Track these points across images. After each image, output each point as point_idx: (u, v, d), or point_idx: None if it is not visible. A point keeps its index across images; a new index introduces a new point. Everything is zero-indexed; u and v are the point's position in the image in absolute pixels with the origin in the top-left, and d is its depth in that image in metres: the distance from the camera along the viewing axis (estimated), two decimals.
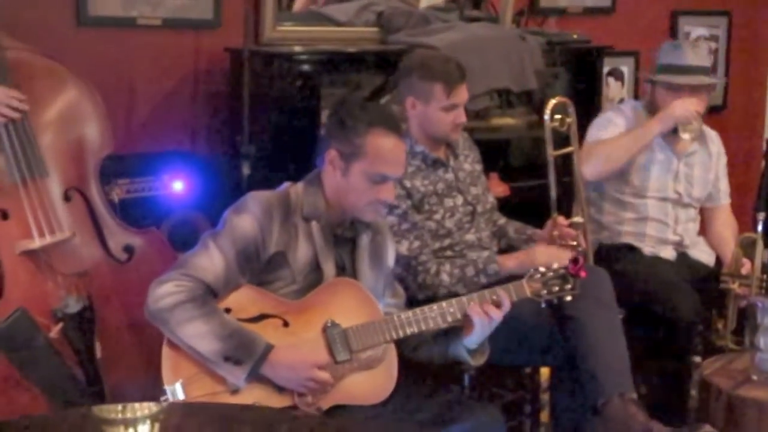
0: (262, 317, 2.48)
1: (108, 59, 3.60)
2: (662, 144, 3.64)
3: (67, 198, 2.83)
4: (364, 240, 2.66)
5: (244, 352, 2.39)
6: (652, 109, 3.65)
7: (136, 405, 1.83)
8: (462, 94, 3.06)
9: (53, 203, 2.79)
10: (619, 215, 3.69)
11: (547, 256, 2.96)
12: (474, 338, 2.62)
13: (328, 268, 2.56)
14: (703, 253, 3.73)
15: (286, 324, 2.49)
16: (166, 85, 3.77)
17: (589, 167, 3.49)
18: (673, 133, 3.59)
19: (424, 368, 2.88)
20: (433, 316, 2.59)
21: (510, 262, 3.04)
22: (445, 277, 2.98)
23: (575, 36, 4.33)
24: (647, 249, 3.64)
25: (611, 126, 3.63)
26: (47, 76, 2.86)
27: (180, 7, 3.76)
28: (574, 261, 2.73)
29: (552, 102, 3.29)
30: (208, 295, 2.43)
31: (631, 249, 3.64)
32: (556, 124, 3.27)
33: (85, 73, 2.94)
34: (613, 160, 3.53)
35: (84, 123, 2.91)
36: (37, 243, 2.73)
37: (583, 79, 4.25)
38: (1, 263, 2.72)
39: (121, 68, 3.65)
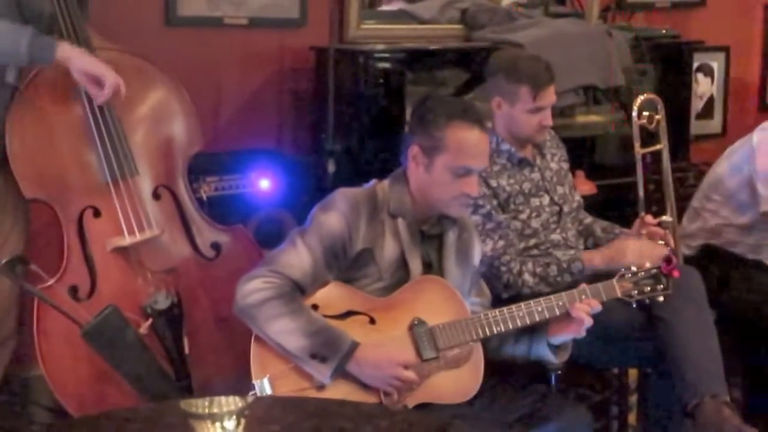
0: (348, 314, 2.48)
1: (195, 59, 3.65)
2: None
3: (156, 196, 2.86)
4: (451, 237, 2.64)
5: (330, 350, 2.39)
6: None
7: (223, 399, 1.84)
8: (549, 97, 3.02)
9: (143, 201, 2.82)
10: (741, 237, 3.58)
11: (638, 251, 2.89)
12: (561, 337, 2.59)
13: (415, 265, 2.55)
14: None
15: (372, 321, 2.49)
16: (253, 84, 3.81)
17: None
18: None
19: (510, 367, 2.85)
20: (521, 315, 2.56)
21: (597, 259, 2.97)
22: (527, 277, 2.94)
23: (664, 31, 4.26)
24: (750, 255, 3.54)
25: None
26: (137, 74, 2.89)
27: (265, 6, 3.80)
28: (667, 260, 2.67)
29: (640, 99, 3.22)
30: (296, 291, 2.44)
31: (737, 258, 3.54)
32: (644, 121, 3.21)
33: (173, 73, 2.97)
34: None
35: (173, 121, 2.94)
36: (127, 240, 2.76)
37: (671, 75, 4.17)
38: (94, 260, 2.76)
39: (208, 67, 3.71)
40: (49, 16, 2.81)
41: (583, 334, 2.57)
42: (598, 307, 2.57)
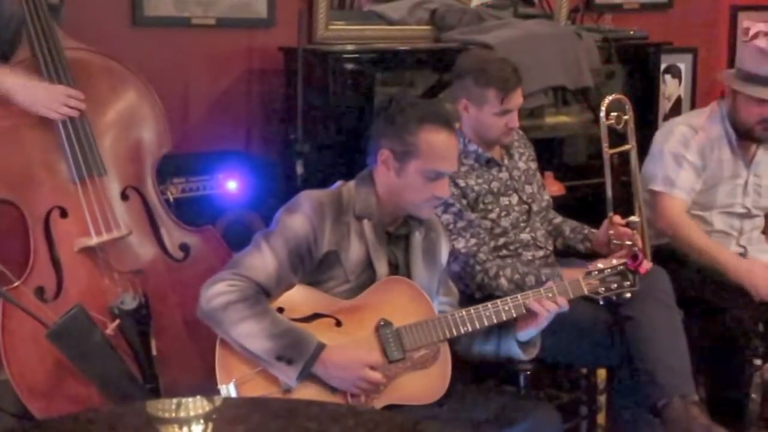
0: (314, 317, 2.48)
1: (162, 59, 3.63)
2: (731, 158, 3.54)
3: (124, 197, 2.85)
4: (417, 237, 2.64)
5: (296, 351, 2.39)
6: (734, 118, 3.51)
7: (190, 402, 1.82)
8: (516, 100, 3.03)
9: (111, 201, 2.80)
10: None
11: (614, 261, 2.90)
12: (527, 332, 2.59)
13: (381, 266, 2.55)
14: (766, 255, 3.64)
15: (338, 323, 2.49)
16: (221, 85, 3.80)
17: (663, 227, 3.46)
18: (744, 139, 3.50)
19: (478, 367, 2.86)
20: (488, 315, 2.57)
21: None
22: (503, 282, 2.94)
23: (632, 32, 4.28)
24: None
25: (685, 164, 3.48)
26: (106, 75, 2.88)
27: (233, 6, 3.78)
28: (633, 257, 2.69)
29: (608, 99, 3.23)
30: (261, 294, 2.43)
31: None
32: (613, 121, 3.22)
33: (141, 72, 2.96)
34: (682, 245, 3.46)
35: (142, 122, 2.93)
36: (94, 240, 2.75)
37: (639, 76, 4.20)
38: (61, 260, 2.74)
39: (176, 68, 3.68)
40: (20, 19, 2.79)
41: (544, 324, 2.58)
42: (564, 306, 2.58)
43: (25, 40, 2.77)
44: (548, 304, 2.56)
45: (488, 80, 2.99)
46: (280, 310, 2.45)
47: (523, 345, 2.64)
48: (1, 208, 2.83)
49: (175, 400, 1.82)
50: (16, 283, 2.65)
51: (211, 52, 3.76)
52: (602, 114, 3.20)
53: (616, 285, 2.68)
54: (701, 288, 3.39)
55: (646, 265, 2.75)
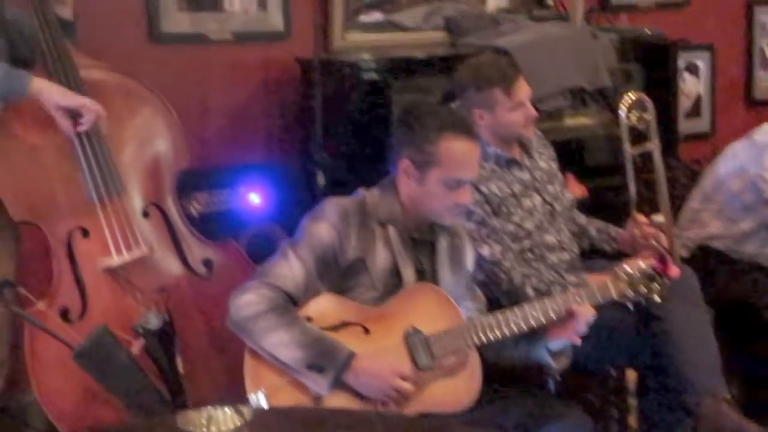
0: (343, 325, 2.46)
1: (180, 74, 3.64)
2: None
3: (145, 214, 2.85)
4: (443, 243, 2.63)
5: (327, 360, 2.38)
6: None
7: (220, 415, 1.81)
8: (523, 89, 3.01)
9: (131, 220, 2.80)
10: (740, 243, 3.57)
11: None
12: (559, 341, 2.57)
13: (408, 273, 2.54)
14: None
15: (366, 331, 2.48)
16: (239, 98, 3.80)
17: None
18: None
19: (507, 372, 2.83)
20: (516, 321, 2.54)
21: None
22: (529, 291, 2.92)
23: (648, 31, 4.25)
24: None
25: None
26: (122, 92, 2.88)
27: (249, 20, 3.79)
28: (661, 259, 2.66)
29: (628, 98, 3.21)
30: (289, 303, 2.43)
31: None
32: (634, 120, 3.20)
33: (159, 89, 2.96)
34: None
35: (160, 139, 2.93)
36: (115, 260, 2.75)
37: (658, 75, 4.16)
38: (84, 281, 2.74)
39: (194, 83, 3.69)
40: (31, 35, 2.80)
41: (577, 341, 2.56)
42: (592, 313, 2.56)
43: (39, 59, 2.78)
44: (580, 309, 2.53)
45: (487, 81, 2.97)
46: (309, 319, 2.44)
47: (554, 354, 2.61)
48: (24, 229, 2.85)
49: (205, 414, 1.81)
50: (40, 305, 2.65)
51: (229, 66, 3.77)
52: (622, 113, 3.18)
53: (645, 289, 2.65)
54: (736, 285, 3.36)
55: (674, 268, 2.72)
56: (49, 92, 2.63)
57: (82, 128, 2.67)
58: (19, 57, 2.85)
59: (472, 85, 3.00)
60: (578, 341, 2.56)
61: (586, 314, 2.53)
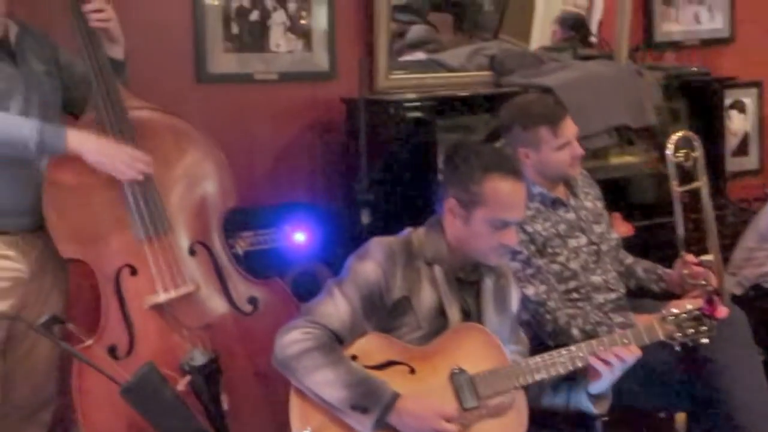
0: (388, 364, 2.45)
1: (227, 114, 3.68)
2: None
3: (192, 252, 2.87)
4: (488, 284, 2.62)
5: (371, 401, 2.36)
6: None
7: None
8: (570, 129, 3.00)
9: (177, 258, 2.82)
10: None
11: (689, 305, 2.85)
12: (602, 383, 2.54)
13: (453, 312, 2.53)
14: None
15: (412, 371, 2.46)
16: (285, 137, 3.83)
17: None
18: None
19: (553, 414, 2.80)
20: (563, 362, 2.52)
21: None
22: (575, 332, 2.89)
23: (694, 69, 4.24)
24: None
25: None
26: (170, 133, 2.91)
27: (295, 61, 3.83)
28: (709, 301, 2.62)
29: (675, 136, 3.19)
30: (335, 342, 2.43)
31: None
32: (681, 158, 3.18)
33: (205, 128, 3.00)
34: None
35: (207, 178, 2.95)
36: (162, 297, 2.76)
37: (704, 113, 4.14)
38: (132, 319, 2.76)
39: (240, 122, 3.73)
40: (82, 78, 2.85)
41: (612, 378, 2.52)
42: (638, 354, 2.52)
43: (91, 101, 2.83)
44: (622, 351, 2.51)
45: (534, 120, 2.97)
46: (354, 358, 2.44)
47: (594, 398, 2.58)
48: (73, 267, 2.88)
49: None
50: (89, 343, 2.67)
51: (275, 105, 3.80)
52: (669, 151, 3.16)
53: (692, 330, 2.62)
54: None
55: (723, 310, 2.68)
56: (87, 152, 2.67)
57: (124, 178, 2.71)
58: (72, 99, 2.91)
59: (518, 124, 3.00)
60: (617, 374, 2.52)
61: (633, 354, 2.50)
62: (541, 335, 2.91)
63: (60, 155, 2.69)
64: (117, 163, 2.70)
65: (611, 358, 2.50)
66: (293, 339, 2.41)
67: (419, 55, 4.11)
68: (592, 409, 2.59)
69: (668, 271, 3.15)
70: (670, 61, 4.42)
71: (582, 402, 2.58)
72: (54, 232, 2.72)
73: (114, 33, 2.87)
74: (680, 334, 2.62)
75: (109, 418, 2.66)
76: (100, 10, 2.81)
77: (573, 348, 2.54)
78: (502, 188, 2.49)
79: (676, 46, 4.57)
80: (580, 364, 2.53)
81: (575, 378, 2.58)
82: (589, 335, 2.85)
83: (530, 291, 2.90)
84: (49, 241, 2.75)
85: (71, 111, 2.93)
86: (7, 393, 2.80)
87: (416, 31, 4.13)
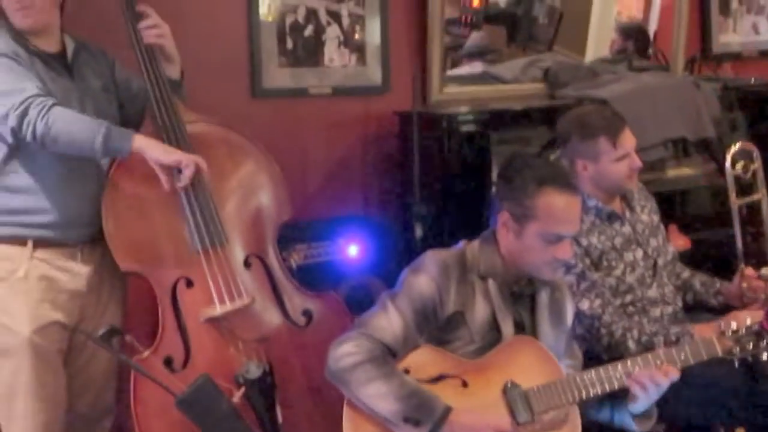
0: (441, 377, 2.45)
1: (281, 128, 3.72)
2: None
3: (247, 264, 2.89)
4: (543, 297, 2.60)
5: (424, 414, 2.36)
6: None
7: None
8: (629, 140, 2.97)
9: (234, 270, 2.84)
10: None
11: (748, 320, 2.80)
12: (640, 404, 2.50)
13: (507, 326, 2.52)
14: None
15: (465, 384, 2.45)
16: (338, 151, 3.86)
17: None
18: None
19: (608, 428, 2.77)
20: (618, 377, 2.49)
21: (708, 334, 2.87)
22: (630, 344, 2.86)
23: (753, 80, 4.18)
24: None
25: None
26: (225, 145, 2.94)
27: (349, 75, 3.85)
28: None
29: (734, 148, 3.15)
30: (387, 355, 2.43)
31: None
32: (739, 171, 3.13)
33: (260, 142, 3.02)
34: None
35: (262, 191, 2.98)
36: (218, 310, 2.78)
37: (762, 124, 4.08)
38: (188, 331, 2.79)
39: (295, 136, 3.76)
40: (137, 94, 2.91)
41: (653, 398, 2.48)
42: (675, 376, 2.47)
43: (149, 115, 2.87)
44: (657, 375, 2.46)
45: (593, 131, 2.95)
46: (406, 371, 2.43)
47: (638, 417, 2.55)
48: (131, 280, 2.92)
49: None
50: (145, 353, 2.70)
51: (328, 119, 3.83)
52: (727, 163, 3.12)
53: (752, 345, 2.57)
54: None
55: None
56: (151, 150, 2.69)
57: (180, 184, 2.73)
58: (127, 117, 2.96)
59: (577, 135, 2.98)
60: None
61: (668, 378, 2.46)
62: (597, 349, 2.89)
63: (123, 161, 2.72)
64: (177, 157, 2.71)
65: (646, 381, 2.45)
66: (346, 351, 2.41)
67: (477, 66, 4.11)
68: (636, 428, 2.55)
69: (727, 284, 3.10)
70: (728, 72, 4.37)
71: (625, 420, 2.55)
72: (112, 243, 2.76)
73: (169, 50, 2.91)
74: (739, 350, 2.57)
75: (165, 428, 2.68)
76: (154, 26, 2.85)
77: (629, 362, 2.51)
78: (555, 202, 2.48)
79: (733, 56, 4.51)
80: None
81: (617, 396, 2.54)
82: (645, 347, 2.82)
83: (585, 305, 2.88)
84: (107, 253, 2.79)
85: (131, 125, 2.97)
86: (70, 403, 2.85)
87: (475, 39, 4.13)
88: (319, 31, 3.80)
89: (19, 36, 2.71)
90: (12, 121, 2.58)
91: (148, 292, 2.83)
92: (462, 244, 2.61)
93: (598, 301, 2.89)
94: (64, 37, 2.82)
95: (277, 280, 2.92)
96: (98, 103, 2.84)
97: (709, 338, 2.57)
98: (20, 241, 2.72)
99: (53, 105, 2.59)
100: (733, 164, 3.11)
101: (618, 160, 2.95)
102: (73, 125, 2.61)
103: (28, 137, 2.59)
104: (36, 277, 2.72)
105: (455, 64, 4.04)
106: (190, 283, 2.80)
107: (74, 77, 2.80)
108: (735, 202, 3.11)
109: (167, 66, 2.90)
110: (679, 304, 3.09)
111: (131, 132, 2.71)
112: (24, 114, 2.57)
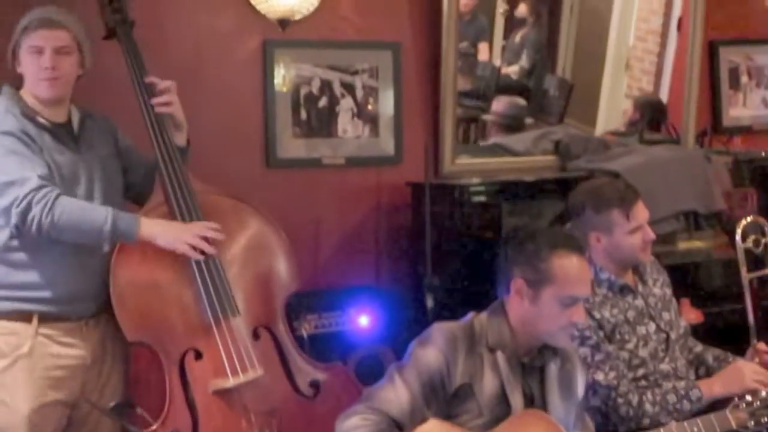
0: None
1: (295, 198, 3.75)
2: None
3: (256, 336, 2.87)
4: (553, 369, 2.59)
5: None
6: None
7: None
8: (642, 213, 2.98)
9: (246, 341, 2.82)
10: None
11: (756, 372, 2.78)
12: None
13: (516, 399, 2.50)
14: None
15: None
16: (351, 221, 3.88)
17: None
18: None
19: None
20: None
21: (716, 386, 2.86)
22: (648, 407, 2.84)
23: (764, 153, 4.19)
24: None
25: None
26: (235, 217, 2.95)
27: (362, 146, 3.89)
28: None
29: (744, 222, 3.16)
30: (394, 428, 2.40)
31: None
32: (750, 245, 3.13)
33: (273, 212, 3.04)
34: None
35: (271, 262, 2.98)
36: (231, 382, 2.76)
37: None
38: (196, 403, 2.76)
39: (308, 206, 3.79)
40: (149, 163, 2.93)
41: None
42: None
43: (158, 184, 2.88)
44: None
45: (607, 203, 2.96)
46: None
47: None
48: (138, 350, 2.90)
49: None
50: (153, 426, 2.68)
51: (341, 189, 3.86)
52: (738, 237, 3.12)
53: (766, 418, 2.55)
54: None
55: None
56: (162, 237, 2.71)
57: (197, 257, 2.73)
58: (129, 184, 2.97)
59: (591, 207, 2.99)
60: None
61: None
62: (615, 420, 2.86)
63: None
64: (183, 239, 2.72)
65: None
66: (353, 425, 2.40)
67: (493, 138, 4.14)
68: None
69: (739, 359, 3.08)
70: (738, 145, 4.38)
71: None
72: (120, 317, 2.74)
73: (178, 119, 2.93)
74: (753, 423, 2.55)
75: None
76: (164, 96, 2.89)
77: None
78: (569, 264, 2.48)
79: (744, 130, 4.54)
80: None
81: None
82: (661, 406, 2.82)
83: (600, 377, 2.86)
84: (111, 325, 2.78)
85: (129, 195, 2.99)
86: None
87: (503, 107, 4.16)
88: (333, 102, 3.85)
89: (29, 109, 2.74)
90: (14, 218, 2.59)
91: (153, 363, 2.81)
92: (470, 315, 2.60)
93: (612, 374, 2.88)
94: (70, 107, 2.84)
95: (286, 352, 2.91)
96: (106, 172, 2.85)
97: (722, 412, 2.55)
98: (25, 316, 2.71)
99: (57, 197, 2.61)
100: (744, 238, 3.11)
101: (631, 232, 2.96)
102: (79, 218, 2.63)
103: (33, 232, 2.60)
104: (40, 354, 2.71)
105: (468, 140, 4.07)
106: (199, 355, 2.79)
107: (81, 147, 2.81)
108: (746, 276, 3.11)
109: (175, 133, 2.92)
110: (692, 378, 3.07)
111: (137, 218, 2.72)
112: (27, 210, 2.58)
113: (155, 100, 2.88)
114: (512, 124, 4.19)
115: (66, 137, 2.79)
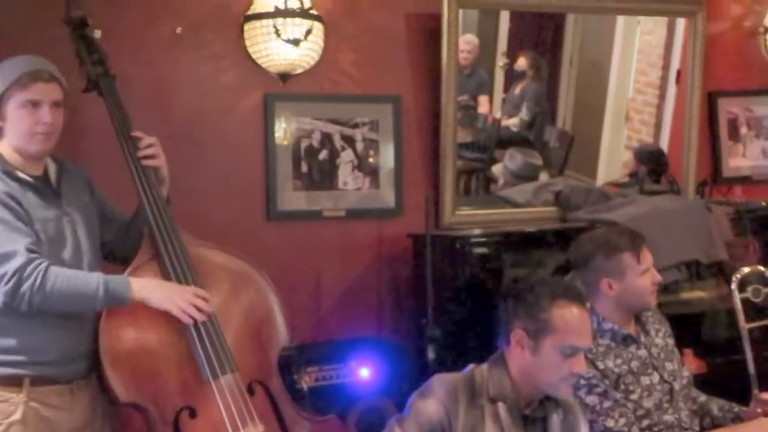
0: None
1: (295, 250, 3.75)
2: None
3: (251, 391, 2.83)
4: (555, 420, 2.57)
5: None
6: None
7: None
8: (648, 255, 3.01)
9: (243, 397, 2.77)
10: None
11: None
12: None
13: None
14: None
15: None
16: (351, 273, 3.88)
17: None
18: None
19: None
20: None
21: None
22: None
23: (764, 203, 4.20)
24: None
25: None
26: (226, 272, 2.91)
27: (362, 198, 3.90)
28: None
29: (742, 272, 3.16)
30: None
31: None
32: (748, 294, 3.13)
33: (274, 264, 3.04)
34: None
35: (264, 317, 2.94)
36: None
37: None
38: None
39: (308, 258, 3.79)
40: (112, 216, 2.91)
41: None
42: None
43: (146, 239, 2.84)
44: None
45: (618, 248, 2.98)
46: None
47: None
48: (128, 411, 2.82)
49: None
50: None
51: (342, 241, 3.87)
52: (734, 286, 3.13)
53: None
54: None
55: None
56: (155, 300, 2.68)
57: (189, 322, 2.70)
58: (103, 235, 2.92)
59: (602, 254, 3.00)
60: None
61: None
62: None
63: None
64: (177, 305, 2.69)
65: None
66: None
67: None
68: None
69: (745, 409, 3.06)
70: (739, 195, 4.39)
71: None
72: (112, 379, 2.68)
73: (163, 173, 2.90)
74: None
75: None
76: (150, 149, 2.86)
77: None
78: (570, 314, 2.49)
79: (744, 180, 4.55)
80: None
81: None
82: None
83: (611, 423, 2.84)
84: (101, 385, 2.74)
85: (103, 252, 2.92)
86: None
87: (518, 162, 4.18)
88: (334, 155, 3.87)
89: (9, 165, 2.68)
90: (3, 296, 2.56)
91: (145, 424, 2.74)
92: (470, 367, 2.59)
93: (622, 420, 2.86)
94: (46, 160, 2.79)
95: (281, 406, 2.87)
96: (89, 223, 2.81)
97: None
98: (16, 380, 2.64)
99: (47, 271, 2.57)
100: (744, 288, 3.11)
101: (642, 273, 2.98)
102: (70, 289, 2.59)
103: (24, 308, 2.57)
104: (32, 419, 2.65)
105: (468, 192, 4.08)
106: (192, 413, 2.73)
107: (62, 202, 2.76)
108: (744, 326, 3.10)
109: (158, 186, 2.87)
110: (696, 428, 3.05)
111: (127, 281, 2.68)
112: (17, 287, 2.55)
113: (142, 153, 2.85)
114: (527, 179, 4.21)
115: (48, 192, 2.74)
